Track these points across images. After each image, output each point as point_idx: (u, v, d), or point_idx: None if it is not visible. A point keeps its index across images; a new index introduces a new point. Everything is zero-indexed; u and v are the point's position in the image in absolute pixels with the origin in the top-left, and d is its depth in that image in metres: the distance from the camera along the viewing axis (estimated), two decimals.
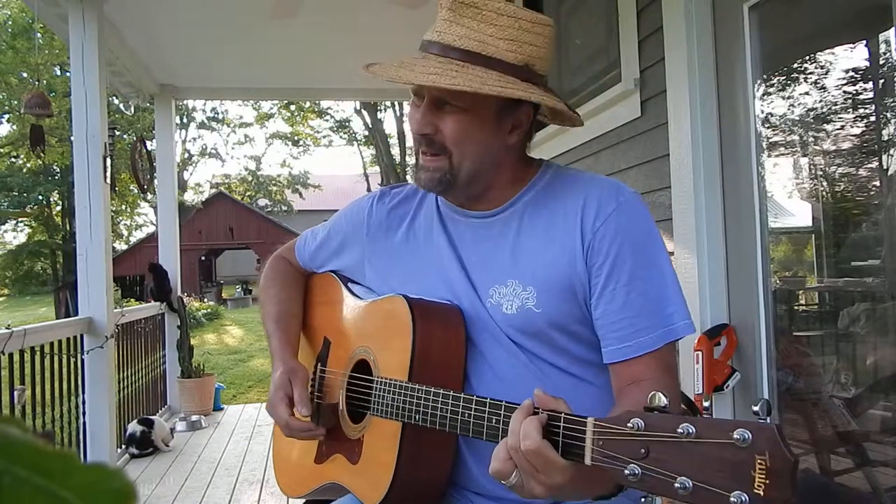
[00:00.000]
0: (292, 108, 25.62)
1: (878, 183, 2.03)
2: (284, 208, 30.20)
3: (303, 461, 1.34)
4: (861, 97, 2.10)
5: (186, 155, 28.49)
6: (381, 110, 24.12)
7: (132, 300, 13.81)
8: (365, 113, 23.84)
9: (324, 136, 28.44)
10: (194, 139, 29.54)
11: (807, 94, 2.31)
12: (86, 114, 3.61)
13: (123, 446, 4.39)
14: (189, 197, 27.66)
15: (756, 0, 2.13)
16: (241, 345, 12.39)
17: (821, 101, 2.22)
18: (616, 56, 2.86)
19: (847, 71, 2.10)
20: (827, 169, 2.23)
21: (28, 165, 24.44)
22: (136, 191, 21.27)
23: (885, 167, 1.93)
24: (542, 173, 1.17)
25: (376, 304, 1.22)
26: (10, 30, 21.05)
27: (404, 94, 1.20)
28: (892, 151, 1.90)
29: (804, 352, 2.29)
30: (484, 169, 1.12)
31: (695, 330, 1.09)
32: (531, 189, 1.15)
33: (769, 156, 2.23)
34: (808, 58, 2.29)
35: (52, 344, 3.48)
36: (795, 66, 2.35)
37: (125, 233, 29.00)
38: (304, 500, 1.38)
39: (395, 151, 24.41)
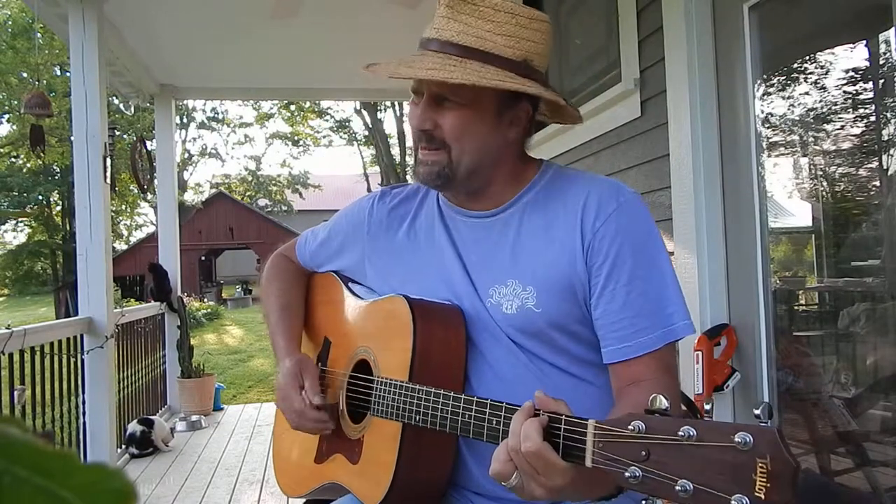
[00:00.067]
0: (292, 108, 25.62)
1: (878, 183, 2.03)
2: (284, 208, 30.20)
3: (303, 461, 1.33)
4: (861, 97, 2.10)
5: (186, 155, 28.49)
6: (381, 110, 24.13)
7: (132, 300, 13.82)
8: (365, 113, 23.84)
9: (324, 136, 28.44)
10: (194, 139, 29.58)
11: (807, 94, 2.31)
12: (86, 114, 3.61)
13: (123, 446, 4.39)
14: (189, 197, 27.66)
15: (756, 0, 2.13)
16: (241, 345, 12.39)
17: (821, 101, 2.22)
18: (616, 56, 2.86)
19: (847, 71, 2.10)
20: (827, 169, 2.23)
21: (28, 165, 24.44)
22: (136, 191, 21.27)
23: (885, 167, 1.93)
24: (542, 173, 1.17)
25: (377, 304, 1.22)
26: (10, 30, 21.05)
27: (404, 93, 1.21)
28: (892, 151, 1.90)
29: (804, 352, 2.29)
30: (483, 164, 1.12)
31: (695, 330, 1.09)
32: (531, 189, 1.15)
33: (769, 156, 2.23)
34: (808, 58, 2.29)
35: (52, 344, 3.48)
36: (795, 66, 2.35)
37: (125, 233, 29.02)
38: (304, 500, 1.38)
39: (395, 151, 24.40)
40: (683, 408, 1.80)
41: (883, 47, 1.94)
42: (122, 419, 4.41)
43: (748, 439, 0.67)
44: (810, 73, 2.32)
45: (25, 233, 28.88)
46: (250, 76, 5.84)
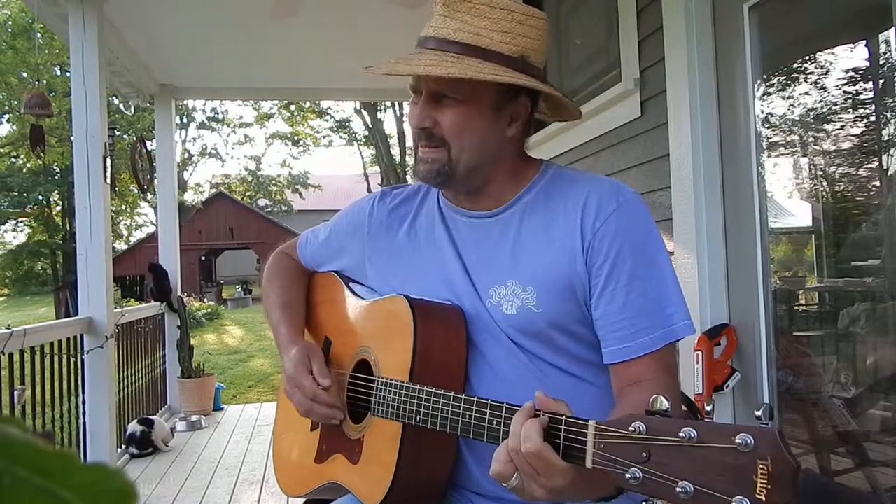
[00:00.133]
0: (292, 108, 25.62)
1: (878, 183, 2.03)
2: (284, 208, 30.20)
3: (303, 461, 1.33)
4: (861, 97, 2.10)
5: (186, 155, 28.49)
6: (381, 110, 24.13)
7: (132, 300, 13.82)
8: (365, 113, 23.84)
9: (324, 136, 28.44)
10: (194, 139, 29.58)
11: (807, 94, 2.31)
12: (86, 114, 3.61)
13: (123, 446, 4.39)
14: (189, 197, 27.66)
15: (756, 0, 2.13)
16: (241, 345, 12.39)
17: (821, 101, 2.22)
18: (616, 56, 2.86)
19: (847, 71, 2.10)
20: (827, 169, 2.23)
21: (28, 165, 24.44)
22: (136, 191, 21.27)
23: (885, 167, 1.93)
24: (542, 173, 1.17)
25: (377, 303, 1.22)
26: (10, 30, 21.05)
27: (404, 93, 1.21)
28: (892, 151, 1.90)
29: (804, 352, 2.29)
30: (483, 161, 1.12)
31: (695, 330, 1.09)
32: (531, 189, 1.15)
33: (769, 156, 2.23)
34: (808, 58, 2.29)
35: (52, 344, 3.48)
36: (795, 66, 2.35)
37: (125, 233, 29.02)
38: (304, 500, 1.38)
39: (395, 151, 24.41)
40: (684, 408, 1.80)
41: (883, 47, 1.94)
42: (122, 419, 4.41)
43: (749, 441, 0.67)
44: (810, 73, 2.32)
45: (25, 233, 28.90)
46: (250, 76, 5.85)
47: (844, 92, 2.12)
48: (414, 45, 1.13)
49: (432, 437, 1.06)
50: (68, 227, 26.31)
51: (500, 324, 1.10)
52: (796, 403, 2.25)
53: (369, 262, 1.29)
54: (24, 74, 19.98)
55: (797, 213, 2.36)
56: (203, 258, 25.41)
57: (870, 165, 2.09)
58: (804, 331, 2.41)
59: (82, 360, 3.67)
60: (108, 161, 3.70)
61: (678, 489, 0.70)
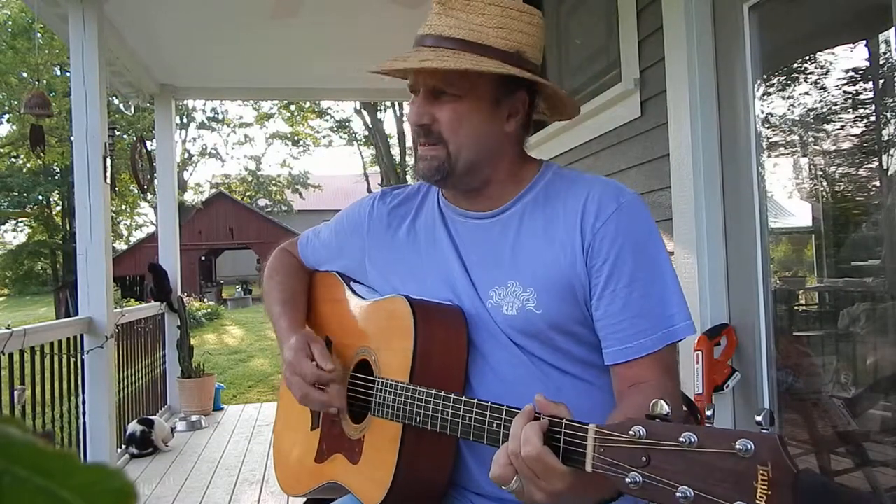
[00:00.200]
0: (292, 108, 25.62)
1: (878, 183, 2.03)
2: (284, 208, 30.19)
3: (303, 460, 1.33)
4: (861, 97, 2.10)
5: (186, 155, 28.49)
6: (381, 110, 24.13)
7: (132, 300, 13.83)
8: (365, 113, 23.84)
9: (324, 136, 28.43)
10: (194, 139, 29.57)
11: (807, 94, 2.31)
12: (86, 114, 3.61)
13: (123, 446, 4.39)
14: (189, 197, 27.66)
15: (756, 0, 2.13)
16: (241, 345, 12.39)
17: (821, 101, 2.22)
18: (616, 56, 2.86)
19: (847, 71, 2.10)
20: (827, 169, 2.23)
21: (28, 165, 24.43)
22: (136, 191, 21.26)
23: (885, 167, 1.93)
24: (542, 174, 1.17)
25: (378, 304, 1.22)
26: (10, 30, 21.05)
27: (404, 93, 1.21)
28: (892, 151, 1.90)
29: (804, 352, 2.29)
30: (482, 158, 1.12)
31: (695, 331, 1.09)
32: (531, 189, 1.15)
33: (769, 156, 2.23)
34: (808, 58, 2.29)
35: (52, 344, 3.48)
36: (795, 66, 2.35)
37: (125, 233, 29.01)
38: (304, 500, 1.38)
39: (395, 151, 24.41)
40: (684, 409, 1.80)
41: (883, 47, 1.94)
42: (122, 419, 4.41)
43: (749, 446, 0.67)
44: (810, 73, 2.32)
45: (25, 233, 28.89)
46: (250, 76, 5.84)
47: (844, 92, 2.12)
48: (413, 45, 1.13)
49: (432, 438, 1.06)
50: (68, 227, 26.30)
51: (500, 325, 1.10)
52: (796, 403, 2.25)
53: (370, 261, 1.29)
54: (24, 74, 19.98)
55: (797, 213, 2.37)
56: (203, 258, 25.41)
57: (870, 165, 2.09)
58: (804, 331, 2.41)
59: (82, 360, 3.67)
60: (108, 161, 3.70)
61: (678, 494, 0.70)
